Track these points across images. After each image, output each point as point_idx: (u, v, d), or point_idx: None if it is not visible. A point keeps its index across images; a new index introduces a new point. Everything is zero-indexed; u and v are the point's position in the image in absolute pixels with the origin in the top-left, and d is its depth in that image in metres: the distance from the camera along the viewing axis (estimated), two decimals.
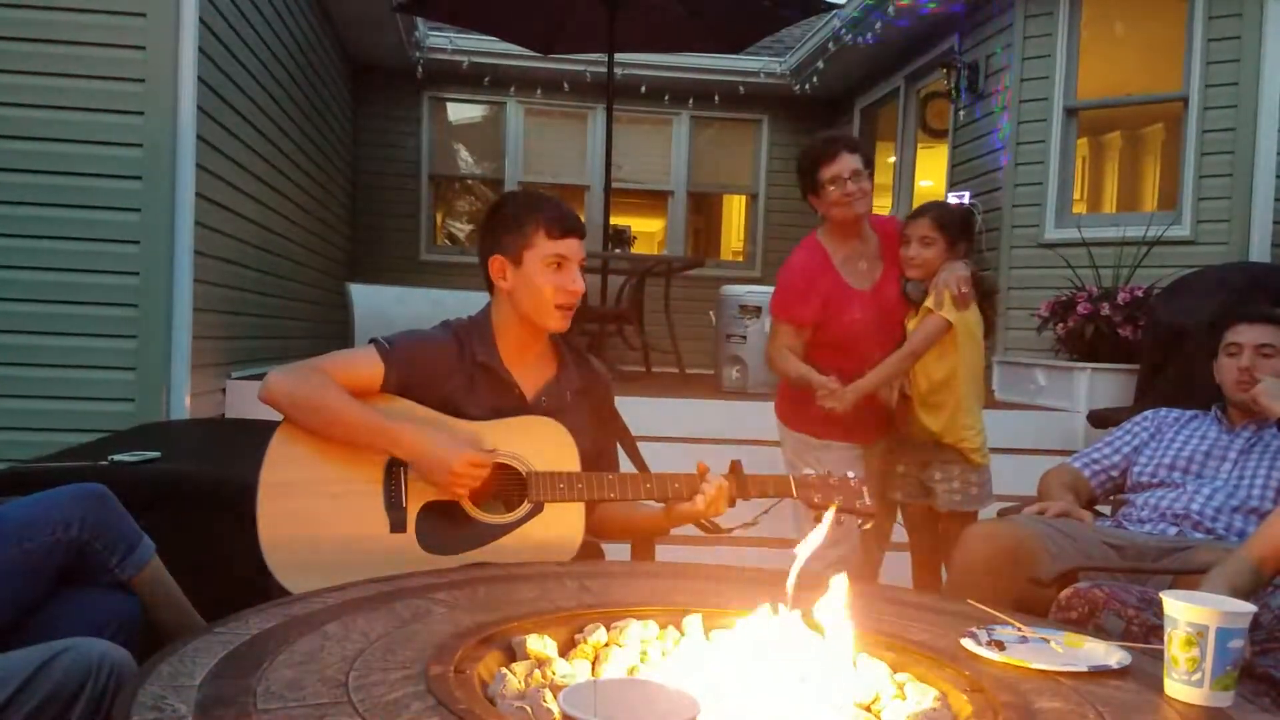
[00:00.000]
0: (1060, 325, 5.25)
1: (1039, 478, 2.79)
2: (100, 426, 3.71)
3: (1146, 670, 1.36)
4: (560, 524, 1.95)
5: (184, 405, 3.91)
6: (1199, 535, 2.40)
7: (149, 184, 3.84)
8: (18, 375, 3.81)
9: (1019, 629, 1.48)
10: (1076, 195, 6.31)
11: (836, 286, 2.90)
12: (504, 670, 1.24)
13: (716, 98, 8.88)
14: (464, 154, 9.41)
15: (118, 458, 2.71)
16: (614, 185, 6.78)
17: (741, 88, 8.67)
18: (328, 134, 7.15)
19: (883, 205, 7.62)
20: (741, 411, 4.68)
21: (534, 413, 2.05)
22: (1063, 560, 2.18)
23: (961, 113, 6.73)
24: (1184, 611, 1.27)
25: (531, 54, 7.32)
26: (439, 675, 1.17)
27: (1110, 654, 1.39)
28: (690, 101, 8.99)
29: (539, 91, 8.79)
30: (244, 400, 4.38)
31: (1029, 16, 5.95)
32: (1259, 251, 5.10)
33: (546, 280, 2.02)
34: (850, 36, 7.14)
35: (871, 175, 2.86)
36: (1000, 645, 1.39)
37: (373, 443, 1.91)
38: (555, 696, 1.15)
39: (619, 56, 6.74)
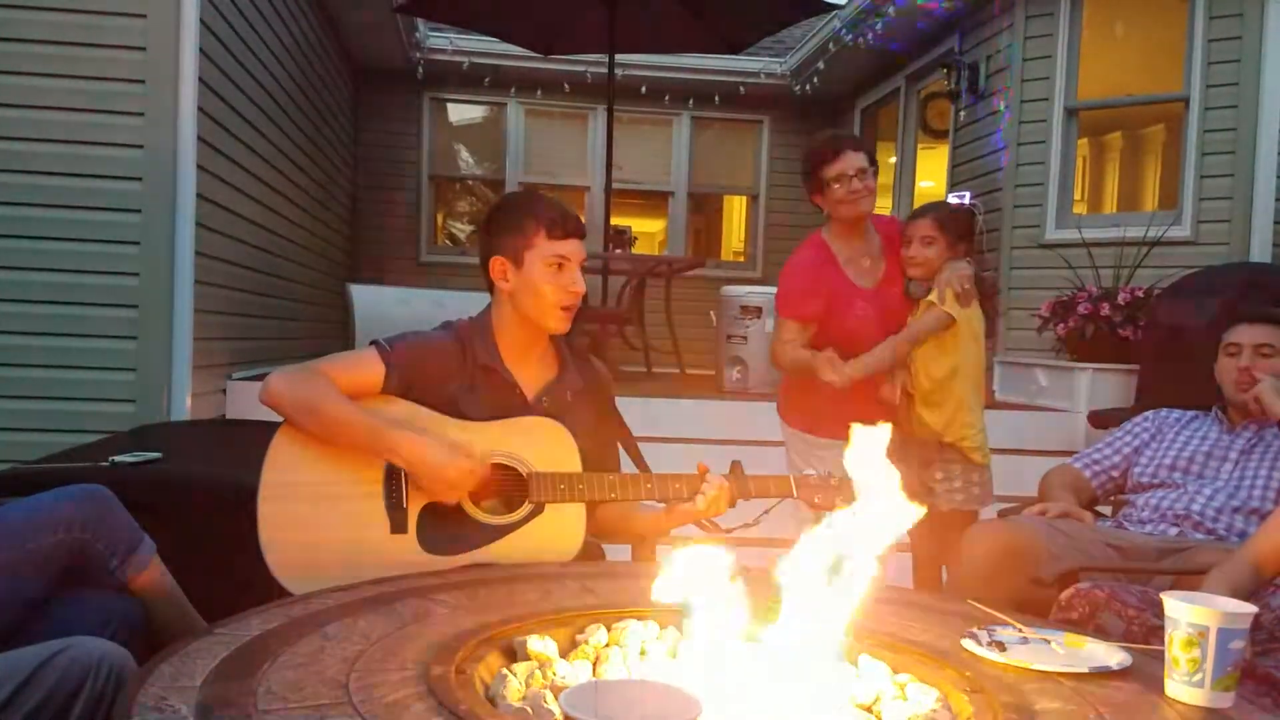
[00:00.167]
0: (1061, 325, 5.25)
1: (1039, 478, 2.80)
2: (101, 427, 3.71)
3: (1147, 671, 1.35)
4: (561, 525, 1.95)
5: (184, 406, 3.91)
6: (1200, 536, 2.40)
7: (149, 185, 3.84)
8: (19, 376, 3.82)
9: (1020, 629, 1.48)
10: (1077, 195, 6.31)
11: (840, 284, 2.90)
12: (505, 671, 1.24)
13: (717, 98, 8.88)
14: (465, 155, 9.42)
15: (118, 459, 2.71)
16: (614, 186, 6.77)
17: (742, 88, 8.67)
18: (328, 135, 7.15)
19: (883, 205, 7.62)
20: (742, 412, 4.68)
21: (535, 413, 2.05)
22: (1063, 561, 2.18)
23: (962, 113, 6.73)
24: (1185, 612, 1.27)
25: (532, 55, 7.32)
26: (440, 676, 1.17)
27: (1111, 655, 1.39)
28: (690, 102, 8.99)
29: (539, 92, 8.79)
30: (244, 401, 4.38)
31: (1030, 17, 5.94)
32: (1259, 252, 5.09)
33: (547, 281, 2.02)
34: (850, 37, 7.14)
35: (876, 174, 2.87)
36: (1001, 646, 1.39)
37: (370, 447, 1.91)
38: (556, 697, 1.15)
39: (619, 57, 6.74)
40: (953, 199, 6.10)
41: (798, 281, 2.93)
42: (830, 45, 7.54)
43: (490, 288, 2.11)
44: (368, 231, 8.63)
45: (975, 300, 2.87)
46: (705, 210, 10.97)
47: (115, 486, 1.92)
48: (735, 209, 10.76)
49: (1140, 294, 4.99)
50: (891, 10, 6.55)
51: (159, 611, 1.87)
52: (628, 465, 2.21)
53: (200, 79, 3.95)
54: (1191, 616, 1.27)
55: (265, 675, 1.15)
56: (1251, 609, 1.31)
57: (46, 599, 1.78)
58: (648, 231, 11.84)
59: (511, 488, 1.97)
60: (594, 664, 1.34)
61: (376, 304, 5.54)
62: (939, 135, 7.43)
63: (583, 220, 2.14)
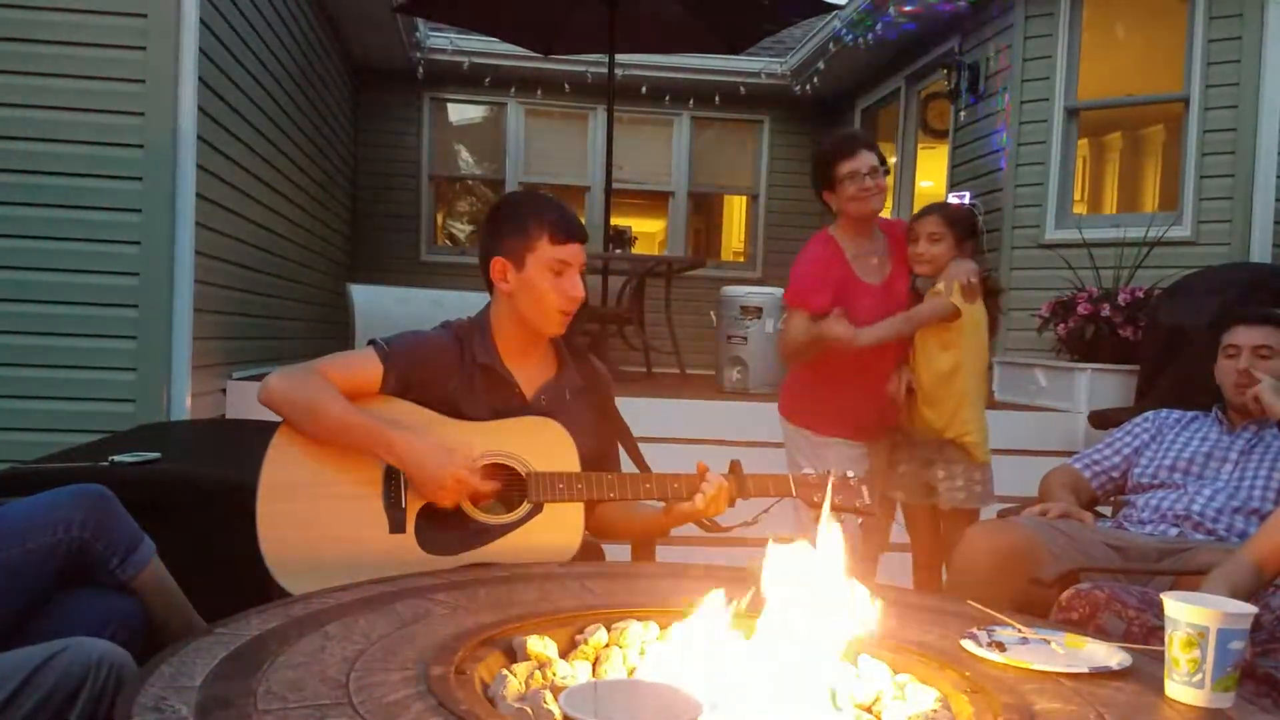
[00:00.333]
0: (1061, 326, 5.25)
1: (1039, 478, 2.80)
2: (101, 427, 3.70)
3: (1147, 671, 1.35)
4: (560, 524, 1.95)
5: (184, 406, 3.91)
6: (1200, 536, 2.40)
7: (149, 185, 3.84)
8: (18, 376, 3.81)
9: (1019, 630, 1.48)
10: (1077, 196, 6.31)
11: (849, 279, 2.93)
12: (505, 671, 1.24)
13: (717, 98, 8.88)
14: (465, 155, 9.41)
15: (118, 458, 2.71)
16: (615, 186, 6.78)
17: (742, 88, 8.67)
18: (328, 134, 7.15)
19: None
20: (742, 412, 4.68)
21: (534, 412, 2.05)
22: (1063, 561, 2.18)
23: (962, 113, 6.73)
24: (1185, 613, 1.27)
25: (532, 55, 7.32)
26: (440, 676, 1.17)
27: (1111, 655, 1.39)
28: (691, 102, 8.99)
29: (539, 92, 8.79)
30: (244, 401, 4.38)
31: (1030, 17, 5.94)
32: (1260, 252, 5.10)
33: (548, 285, 2.02)
34: (851, 37, 7.14)
35: (887, 173, 2.93)
36: (1001, 646, 1.39)
37: (367, 447, 1.91)
38: (556, 698, 1.15)
39: (619, 57, 6.74)
40: (953, 199, 6.10)
41: (808, 273, 2.95)
42: (830, 45, 7.53)
43: (489, 287, 2.11)
44: (368, 231, 8.63)
45: (979, 298, 2.89)
46: (705, 210, 10.97)
47: (115, 486, 1.92)
48: (735, 209, 10.76)
49: (1140, 294, 4.99)
50: (891, 10, 6.55)
51: (159, 611, 1.87)
52: (627, 465, 2.21)
53: (200, 79, 3.95)
54: (1191, 617, 1.27)
55: (265, 675, 1.15)
56: (1251, 609, 1.31)
57: (46, 599, 1.78)
58: (648, 231, 11.84)
59: (510, 487, 1.97)
60: (593, 664, 1.34)
61: (376, 304, 5.53)
62: (939, 135, 7.43)
63: (583, 221, 2.14)
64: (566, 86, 8.52)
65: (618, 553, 2.20)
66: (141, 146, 3.83)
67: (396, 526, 1.90)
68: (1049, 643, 1.43)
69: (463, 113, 9.34)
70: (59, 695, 1.39)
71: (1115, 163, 7.39)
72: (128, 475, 2.60)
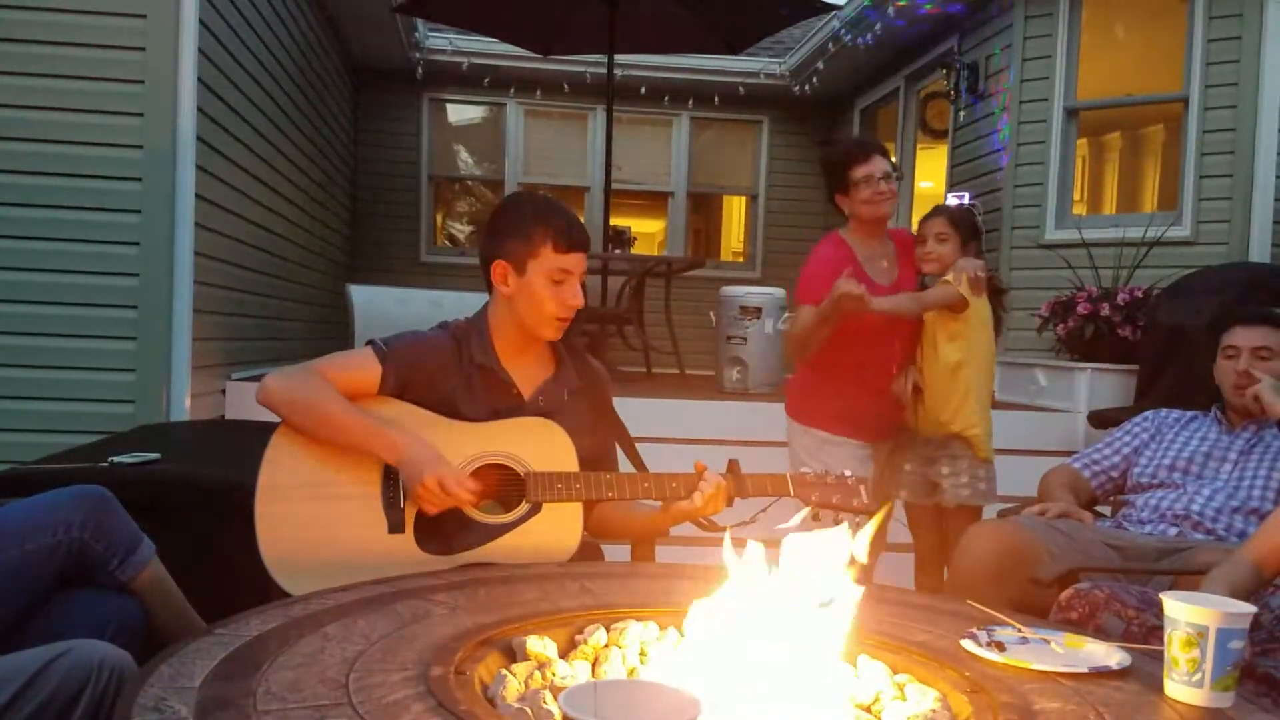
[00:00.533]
0: (1060, 325, 5.25)
1: (1039, 478, 2.80)
2: (100, 428, 3.70)
3: (1147, 671, 1.36)
4: (559, 524, 1.95)
5: (184, 406, 3.91)
6: (1199, 536, 2.40)
7: (149, 185, 3.84)
8: (18, 376, 3.81)
9: (1019, 630, 1.48)
10: (1076, 196, 6.31)
11: (859, 278, 2.93)
12: (504, 671, 1.24)
13: (716, 99, 8.88)
14: (464, 155, 9.41)
15: (118, 459, 2.71)
16: (614, 186, 6.77)
17: (741, 88, 8.67)
18: (328, 135, 7.15)
19: None
20: (742, 412, 4.69)
21: (531, 412, 2.05)
22: (1063, 561, 2.18)
23: (961, 113, 6.73)
24: (1184, 612, 1.27)
25: (531, 55, 7.32)
26: (439, 676, 1.17)
27: (1110, 655, 1.39)
28: (690, 102, 8.99)
29: (539, 92, 8.79)
30: (244, 402, 4.38)
31: (1029, 17, 5.95)
32: (1259, 252, 5.10)
33: (548, 293, 2.02)
34: (850, 37, 7.14)
35: (899, 179, 2.96)
36: (1000, 646, 1.39)
37: (365, 447, 1.91)
38: (555, 698, 1.15)
39: (619, 57, 6.74)
40: (952, 199, 6.10)
41: (819, 270, 2.97)
42: (830, 45, 7.54)
43: (489, 287, 2.11)
44: (367, 232, 8.63)
45: (985, 293, 2.94)
46: (705, 210, 10.97)
47: (115, 487, 1.92)
48: (735, 209, 10.76)
49: (1140, 294, 4.99)
50: (891, 10, 6.55)
51: (158, 612, 1.87)
52: (625, 465, 2.21)
53: (200, 79, 3.95)
54: (1191, 616, 1.27)
55: (264, 676, 1.15)
56: (1250, 609, 1.31)
57: (46, 600, 1.78)
58: (647, 231, 11.84)
59: (509, 487, 1.97)
60: (593, 664, 1.34)
61: (376, 304, 5.53)
62: (938, 135, 7.43)
63: (583, 221, 2.14)
64: (566, 87, 8.52)
65: (617, 553, 2.20)
66: (141, 147, 3.84)
67: (395, 526, 1.90)
68: (1048, 642, 1.43)
69: (462, 113, 9.34)
70: (61, 698, 1.39)
71: (1115, 163, 7.39)
72: (127, 476, 2.60)
